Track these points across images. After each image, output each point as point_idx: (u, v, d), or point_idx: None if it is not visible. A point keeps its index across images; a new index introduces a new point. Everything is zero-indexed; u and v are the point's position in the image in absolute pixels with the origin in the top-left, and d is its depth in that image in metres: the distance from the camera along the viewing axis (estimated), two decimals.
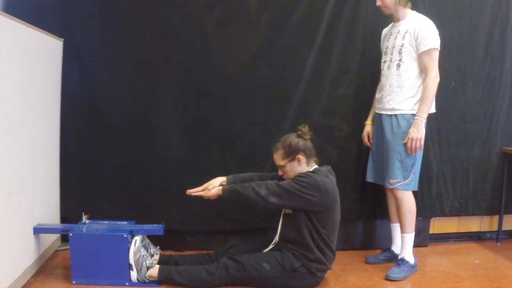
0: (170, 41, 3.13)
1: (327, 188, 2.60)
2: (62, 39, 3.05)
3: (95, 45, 3.10)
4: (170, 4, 3.09)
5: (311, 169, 2.73)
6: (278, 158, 2.74)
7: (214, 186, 2.73)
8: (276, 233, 2.81)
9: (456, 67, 3.43)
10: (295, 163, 2.71)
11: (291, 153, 2.70)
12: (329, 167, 2.79)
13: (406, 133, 2.87)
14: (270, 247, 2.81)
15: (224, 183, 2.79)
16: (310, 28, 3.22)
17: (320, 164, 2.82)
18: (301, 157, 2.70)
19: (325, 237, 2.65)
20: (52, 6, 3.04)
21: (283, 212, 2.79)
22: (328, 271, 2.81)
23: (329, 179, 2.67)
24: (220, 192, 2.67)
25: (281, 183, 2.62)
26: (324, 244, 2.66)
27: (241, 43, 3.19)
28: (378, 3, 2.95)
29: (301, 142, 2.72)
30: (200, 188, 2.75)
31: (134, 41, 3.11)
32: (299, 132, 2.75)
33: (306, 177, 2.61)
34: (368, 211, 3.44)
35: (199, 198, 3.19)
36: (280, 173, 2.79)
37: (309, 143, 2.75)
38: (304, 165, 2.73)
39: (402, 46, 2.88)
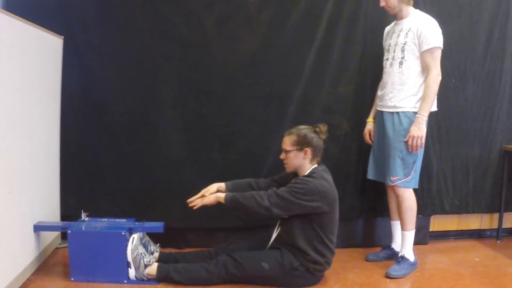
0: (170, 39, 3.12)
1: (326, 191, 2.60)
2: (62, 37, 3.05)
3: (95, 43, 3.09)
4: (170, 2, 3.08)
5: (309, 169, 2.72)
6: (288, 142, 2.72)
7: (211, 192, 2.74)
8: (272, 234, 2.81)
9: (456, 65, 3.43)
10: (300, 154, 2.70)
11: (302, 144, 2.69)
12: (324, 166, 2.79)
13: (407, 130, 2.87)
14: (270, 243, 2.81)
15: (221, 189, 2.81)
16: (310, 26, 3.21)
17: (319, 165, 2.82)
18: (308, 151, 2.70)
19: (324, 239, 2.65)
20: (52, 3, 3.03)
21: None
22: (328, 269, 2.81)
23: (327, 181, 2.67)
24: (221, 200, 2.67)
25: (280, 192, 2.59)
26: (322, 246, 2.66)
27: (241, 41, 3.18)
28: (382, 3, 2.94)
29: (315, 138, 2.71)
30: (198, 195, 2.75)
31: (134, 39, 3.11)
32: (317, 129, 2.74)
33: (303, 183, 2.60)
34: (368, 209, 3.43)
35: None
36: (281, 156, 2.76)
37: (321, 143, 2.74)
38: (307, 161, 2.72)
39: (404, 44, 2.88)
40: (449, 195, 3.55)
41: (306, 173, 2.71)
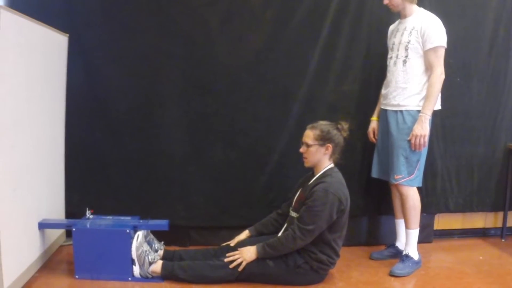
0: (174, 37, 3.12)
1: (341, 197, 2.62)
2: (67, 35, 3.06)
3: (100, 41, 3.10)
4: (175, 0, 3.09)
5: (327, 167, 2.74)
6: (311, 136, 2.72)
7: (240, 239, 2.90)
8: (279, 233, 2.81)
9: (461, 63, 3.42)
10: (322, 149, 2.71)
11: (325, 139, 2.70)
12: (336, 168, 2.81)
13: (411, 129, 2.87)
14: None
15: (248, 235, 2.94)
16: (314, 24, 3.21)
17: (335, 164, 2.83)
18: (330, 147, 2.71)
19: (331, 241, 2.66)
20: (57, 1, 3.03)
21: (289, 214, 2.81)
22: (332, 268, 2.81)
23: (342, 184, 2.69)
24: (255, 256, 2.66)
25: (305, 226, 2.57)
26: (329, 249, 2.67)
27: (245, 39, 3.18)
28: (386, 1, 2.94)
29: (337, 135, 2.73)
30: (236, 252, 2.71)
31: (138, 37, 3.11)
32: (339, 126, 2.75)
33: (320, 199, 2.58)
34: (372, 207, 3.43)
35: (204, 192, 3.21)
36: (301, 150, 2.76)
37: (342, 141, 2.75)
38: (326, 157, 2.73)
39: (408, 42, 2.88)
40: (454, 193, 3.55)
41: (323, 171, 2.73)
